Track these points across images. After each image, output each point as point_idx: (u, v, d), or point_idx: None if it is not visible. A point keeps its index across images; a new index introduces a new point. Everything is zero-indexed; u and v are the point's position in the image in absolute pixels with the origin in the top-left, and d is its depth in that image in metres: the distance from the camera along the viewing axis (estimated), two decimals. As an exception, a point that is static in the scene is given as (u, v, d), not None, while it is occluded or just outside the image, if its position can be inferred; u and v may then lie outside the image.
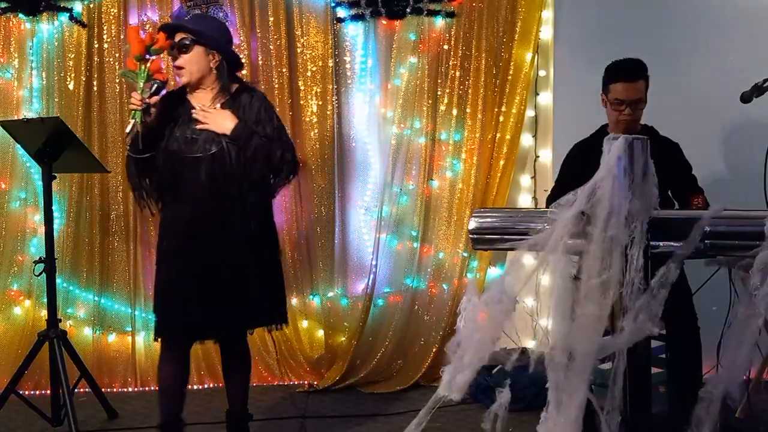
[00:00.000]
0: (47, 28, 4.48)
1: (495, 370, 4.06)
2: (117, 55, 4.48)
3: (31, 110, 4.47)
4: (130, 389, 4.50)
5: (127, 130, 3.11)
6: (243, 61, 3.46)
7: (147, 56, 3.10)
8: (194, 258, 3.14)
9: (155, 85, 3.12)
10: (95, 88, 4.48)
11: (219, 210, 3.13)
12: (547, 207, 3.83)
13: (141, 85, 3.10)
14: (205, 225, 3.14)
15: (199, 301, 3.12)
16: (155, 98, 3.12)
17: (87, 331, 4.52)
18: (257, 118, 3.16)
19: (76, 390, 3.92)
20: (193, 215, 3.15)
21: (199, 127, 3.13)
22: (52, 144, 3.73)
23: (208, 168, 3.11)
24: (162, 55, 3.20)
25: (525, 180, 4.69)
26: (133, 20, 4.50)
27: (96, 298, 4.51)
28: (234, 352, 3.39)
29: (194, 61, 3.14)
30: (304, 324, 4.68)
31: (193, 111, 3.14)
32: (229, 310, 3.15)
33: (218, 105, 3.17)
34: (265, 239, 3.27)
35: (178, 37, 3.15)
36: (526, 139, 4.65)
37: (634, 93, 3.38)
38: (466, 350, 1.71)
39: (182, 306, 3.14)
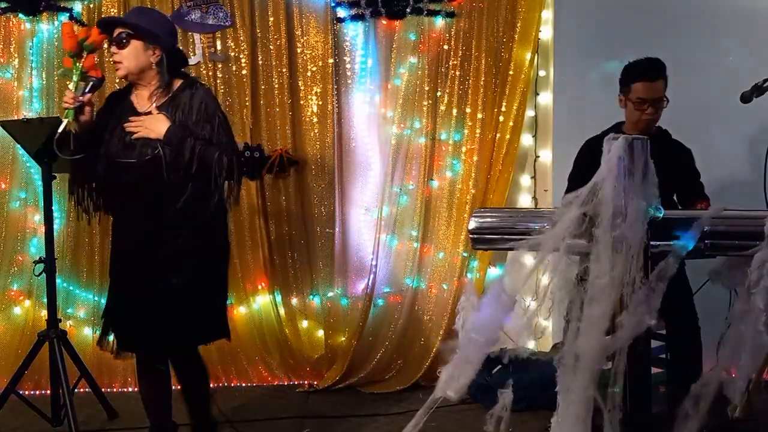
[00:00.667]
0: (47, 28, 4.48)
1: (495, 370, 4.06)
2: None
3: (31, 110, 4.47)
4: (130, 389, 4.50)
5: (60, 129, 3.01)
6: (188, 57, 3.40)
7: (82, 52, 3.02)
8: (134, 272, 3.04)
9: (90, 83, 3.03)
10: (95, 88, 4.47)
11: (157, 218, 2.97)
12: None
13: (75, 82, 3.02)
14: (143, 235, 3.00)
15: (139, 319, 3.02)
16: (88, 96, 3.02)
17: (87, 331, 4.52)
18: (196, 118, 3.00)
19: (76, 390, 3.92)
20: (132, 223, 3.04)
21: (134, 137, 2.98)
22: (52, 144, 3.71)
23: (144, 174, 2.96)
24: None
25: (525, 180, 4.69)
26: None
27: (96, 298, 4.50)
28: (184, 369, 3.24)
29: (132, 56, 3.01)
30: (304, 324, 4.68)
31: (126, 124, 3.01)
32: (168, 328, 3.00)
33: (154, 103, 3.03)
34: (209, 248, 3.09)
35: (117, 32, 3.03)
36: (526, 139, 4.65)
37: (655, 92, 3.44)
38: (465, 350, 1.71)
39: (126, 325, 3.08)
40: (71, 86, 3.03)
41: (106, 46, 3.16)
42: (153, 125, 2.97)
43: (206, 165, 2.95)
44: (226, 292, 3.23)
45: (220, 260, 3.18)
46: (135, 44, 3.00)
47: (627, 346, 1.68)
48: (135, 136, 2.98)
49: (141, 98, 3.08)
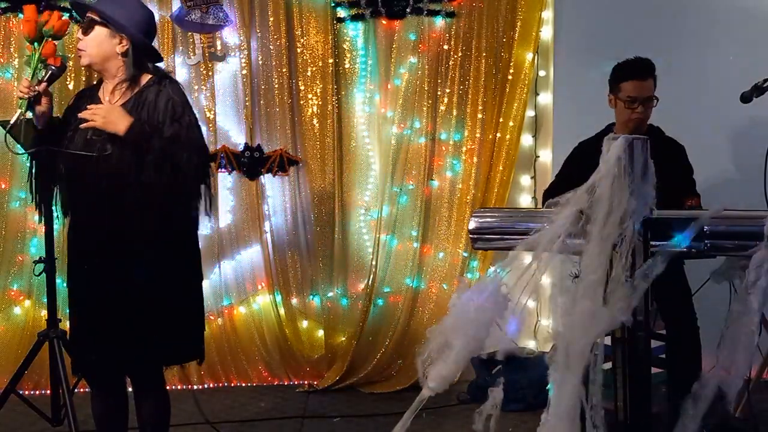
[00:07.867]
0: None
1: (495, 370, 4.06)
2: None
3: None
4: (129, 389, 4.48)
5: (12, 120, 2.79)
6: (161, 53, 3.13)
7: (42, 38, 2.84)
8: (93, 284, 2.81)
9: (49, 72, 2.83)
10: (95, 88, 4.47)
11: (119, 224, 2.74)
12: (543, 201, 3.85)
13: (32, 70, 2.82)
14: (104, 243, 2.77)
15: (99, 333, 2.81)
16: (44, 85, 2.79)
17: (87, 331, 4.52)
18: (162, 118, 2.75)
19: (76, 390, 3.92)
20: (92, 230, 2.80)
21: (84, 125, 2.72)
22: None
23: (106, 174, 2.71)
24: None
25: (525, 180, 4.69)
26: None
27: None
28: (144, 389, 3.02)
29: (94, 43, 2.78)
30: (304, 324, 4.69)
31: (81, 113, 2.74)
32: (132, 345, 2.79)
33: (119, 99, 2.81)
34: (178, 259, 2.83)
35: (85, 17, 2.83)
36: (526, 139, 4.65)
37: (645, 90, 3.45)
38: (453, 343, 1.72)
39: (85, 339, 2.89)
40: (27, 74, 2.84)
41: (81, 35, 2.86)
42: (111, 116, 2.69)
43: (174, 166, 2.68)
44: (201, 310, 2.98)
45: (191, 273, 2.93)
46: (99, 31, 2.78)
47: (602, 340, 1.68)
48: (85, 125, 2.71)
49: (106, 93, 2.86)
